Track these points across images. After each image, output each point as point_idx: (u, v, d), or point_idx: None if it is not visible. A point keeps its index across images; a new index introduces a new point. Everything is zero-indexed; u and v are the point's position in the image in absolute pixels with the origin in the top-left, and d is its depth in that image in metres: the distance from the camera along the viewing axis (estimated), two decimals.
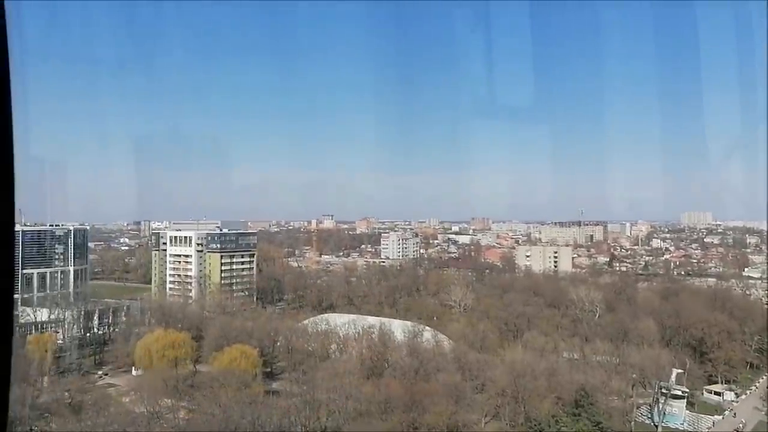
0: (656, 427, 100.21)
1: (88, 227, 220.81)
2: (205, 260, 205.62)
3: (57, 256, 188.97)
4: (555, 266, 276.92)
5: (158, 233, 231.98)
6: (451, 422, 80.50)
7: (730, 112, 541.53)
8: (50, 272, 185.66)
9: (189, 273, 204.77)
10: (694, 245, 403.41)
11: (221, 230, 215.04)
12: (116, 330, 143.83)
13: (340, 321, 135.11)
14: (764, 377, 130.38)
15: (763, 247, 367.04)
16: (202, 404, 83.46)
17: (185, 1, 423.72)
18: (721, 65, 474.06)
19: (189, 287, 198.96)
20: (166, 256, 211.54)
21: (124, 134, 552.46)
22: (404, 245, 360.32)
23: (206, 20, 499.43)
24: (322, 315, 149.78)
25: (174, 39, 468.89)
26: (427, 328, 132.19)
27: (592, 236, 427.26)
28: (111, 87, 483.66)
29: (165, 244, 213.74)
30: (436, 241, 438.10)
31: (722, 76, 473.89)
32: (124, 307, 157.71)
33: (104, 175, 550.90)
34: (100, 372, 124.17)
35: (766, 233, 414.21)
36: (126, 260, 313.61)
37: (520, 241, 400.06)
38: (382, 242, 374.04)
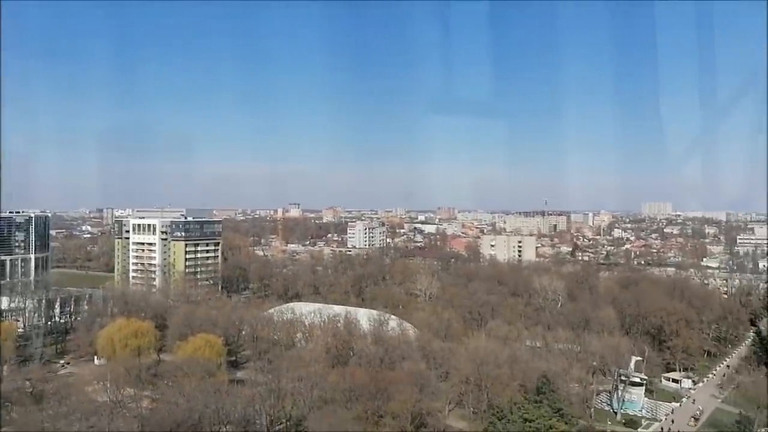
0: (615, 413, 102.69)
1: (49, 214, 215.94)
2: (169, 248, 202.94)
3: (18, 244, 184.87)
4: (519, 255, 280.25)
5: (121, 221, 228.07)
6: (416, 410, 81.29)
7: (689, 108, 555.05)
8: (11, 260, 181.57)
9: (153, 261, 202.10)
10: (654, 235, 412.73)
11: (186, 218, 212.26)
12: (78, 319, 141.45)
13: (305, 310, 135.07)
14: (721, 365, 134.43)
15: (722, 238, 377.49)
16: (166, 393, 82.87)
17: (150, 1, 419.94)
18: (680, 63, 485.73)
19: (153, 276, 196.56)
20: (129, 244, 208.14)
21: (87, 123, 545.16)
22: (371, 234, 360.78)
23: (171, 19, 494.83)
24: (287, 304, 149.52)
25: (140, 36, 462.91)
26: (393, 316, 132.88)
27: (555, 226, 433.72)
28: (75, 79, 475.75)
29: (128, 232, 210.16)
30: (402, 231, 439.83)
31: (682, 72, 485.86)
32: (87, 296, 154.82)
33: (66, 162, 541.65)
34: (62, 361, 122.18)
35: (724, 224, 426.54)
36: (88, 248, 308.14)
37: (485, 231, 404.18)
38: (348, 231, 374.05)
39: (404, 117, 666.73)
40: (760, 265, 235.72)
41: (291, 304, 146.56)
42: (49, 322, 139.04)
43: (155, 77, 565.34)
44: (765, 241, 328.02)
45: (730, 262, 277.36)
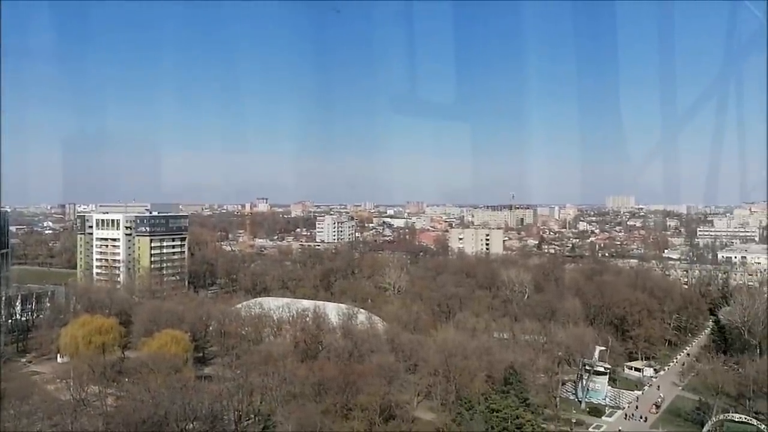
0: (580, 402, 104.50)
1: (8, 210, 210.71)
2: (133, 244, 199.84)
3: None
4: (487, 248, 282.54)
5: (84, 216, 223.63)
6: (384, 402, 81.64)
7: (651, 103, 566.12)
8: None
9: (117, 257, 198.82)
10: (617, 228, 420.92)
11: (150, 213, 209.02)
12: (40, 316, 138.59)
13: (274, 305, 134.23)
14: (681, 354, 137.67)
15: (682, 230, 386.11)
16: (131, 390, 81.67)
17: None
18: (642, 59, 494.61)
19: (117, 272, 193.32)
20: (92, 239, 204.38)
21: (48, 117, 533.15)
22: (339, 228, 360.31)
23: (133, 12, 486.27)
24: (255, 299, 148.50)
25: (101, 29, 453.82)
26: (362, 310, 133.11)
27: (522, 219, 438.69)
28: (34, 73, 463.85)
29: (91, 227, 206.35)
30: (371, 225, 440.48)
31: (643, 68, 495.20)
32: (49, 293, 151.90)
33: (27, 157, 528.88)
34: (23, 359, 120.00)
35: (685, 216, 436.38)
36: (50, 244, 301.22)
37: (453, 224, 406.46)
38: (317, 226, 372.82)
39: (372, 112, 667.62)
40: (719, 256, 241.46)
41: (259, 299, 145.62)
42: (10, 320, 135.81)
43: (118, 70, 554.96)
44: (724, 233, 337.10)
45: (690, 253, 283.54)
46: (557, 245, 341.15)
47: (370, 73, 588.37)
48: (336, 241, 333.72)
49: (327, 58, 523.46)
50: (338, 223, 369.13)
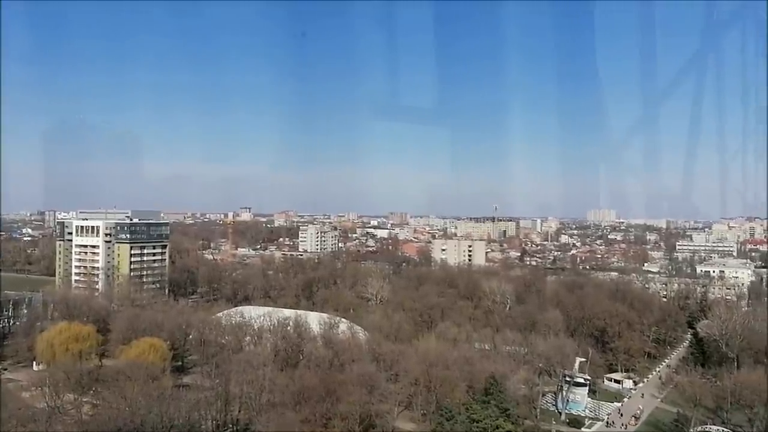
0: (560, 413, 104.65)
1: None
2: (113, 251, 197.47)
3: None
4: (469, 260, 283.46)
5: (63, 223, 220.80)
6: (365, 411, 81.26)
7: (633, 119, 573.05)
8: None
9: (96, 264, 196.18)
10: (598, 241, 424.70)
11: (131, 220, 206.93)
12: (17, 323, 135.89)
13: (255, 313, 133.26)
14: (660, 366, 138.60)
15: (662, 244, 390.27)
16: (107, 398, 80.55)
17: (99, 2, 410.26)
18: (624, 75, 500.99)
19: (96, 279, 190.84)
20: (71, 246, 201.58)
21: (27, 123, 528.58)
22: (323, 238, 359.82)
23: (117, 17, 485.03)
24: (236, 307, 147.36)
25: (83, 34, 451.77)
26: (343, 319, 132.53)
27: (505, 232, 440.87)
28: (14, 77, 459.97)
29: (70, 234, 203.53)
30: (354, 235, 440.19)
31: (625, 85, 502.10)
32: (26, 300, 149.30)
33: (5, 164, 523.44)
34: None
35: (664, 231, 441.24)
36: (29, 251, 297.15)
37: (436, 236, 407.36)
38: (300, 235, 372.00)
39: (356, 124, 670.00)
40: (698, 269, 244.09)
41: (240, 308, 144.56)
42: None
43: (100, 76, 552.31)
44: (702, 248, 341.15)
45: (670, 267, 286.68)
46: (539, 257, 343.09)
47: (354, 85, 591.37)
48: (319, 250, 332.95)
49: (310, 69, 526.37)
50: (321, 232, 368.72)
